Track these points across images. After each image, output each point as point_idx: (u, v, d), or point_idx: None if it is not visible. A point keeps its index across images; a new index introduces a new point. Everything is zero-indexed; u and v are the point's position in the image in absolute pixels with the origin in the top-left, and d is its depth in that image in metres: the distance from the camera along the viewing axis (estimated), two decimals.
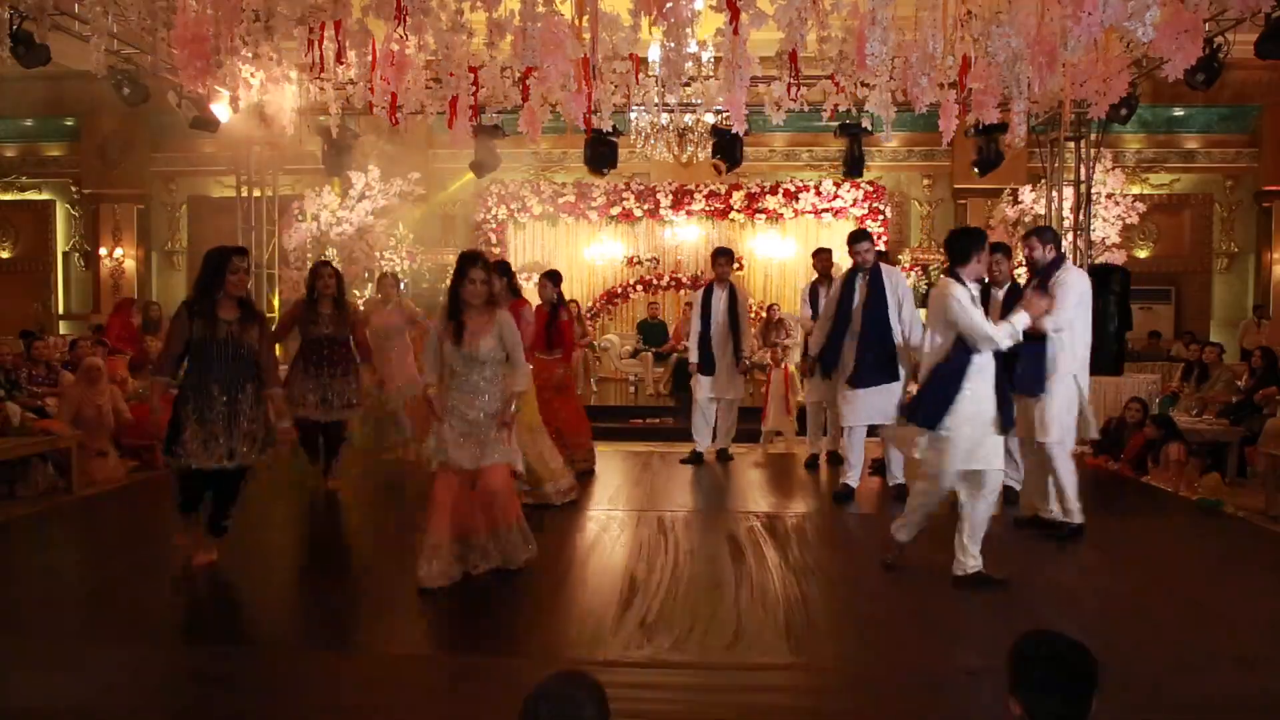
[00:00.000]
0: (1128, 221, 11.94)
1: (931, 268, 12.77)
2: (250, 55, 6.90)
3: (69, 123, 14.21)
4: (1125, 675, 3.50)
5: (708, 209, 13.88)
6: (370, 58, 6.76)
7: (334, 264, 6.72)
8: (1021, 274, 6.88)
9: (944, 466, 4.49)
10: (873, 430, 6.79)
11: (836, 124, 9.21)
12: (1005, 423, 4.53)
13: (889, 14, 5.83)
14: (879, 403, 6.46)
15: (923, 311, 6.25)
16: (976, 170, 9.31)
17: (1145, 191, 13.38)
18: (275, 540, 5.41)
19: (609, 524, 5.89)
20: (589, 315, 13.71)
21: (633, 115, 9.89)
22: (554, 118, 7.72)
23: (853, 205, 13.67)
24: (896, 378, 6.42)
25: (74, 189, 14.57)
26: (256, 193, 10.43)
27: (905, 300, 6.46)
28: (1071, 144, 9.70)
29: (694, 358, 7.95)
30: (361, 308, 8.28)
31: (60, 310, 14.73)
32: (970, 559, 4.56)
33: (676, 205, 13.87)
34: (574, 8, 5.87)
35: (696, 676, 3.55)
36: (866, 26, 5.85)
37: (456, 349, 4.37)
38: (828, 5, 5.77)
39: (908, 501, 4.80)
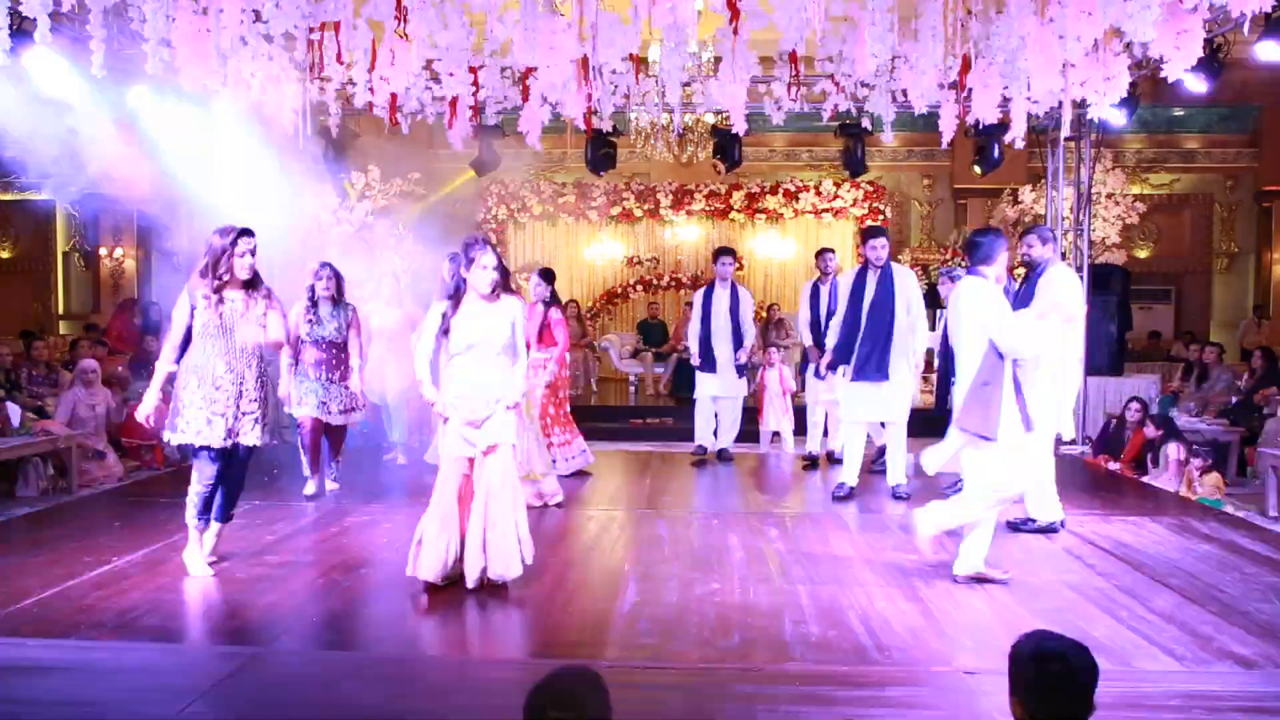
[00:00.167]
0: (1128, 221, 11.94)
1: (932, 268, 12.76)
2: (250, 55, 6.88)
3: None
4: (1125, 675, 3.50)
5: (708, 209, 13.88)
6: (370, 58, 6.75)
7: (334, 265, 6.65)
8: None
9: (1013, 477, 4.44)
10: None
11: (836, 124, 9.20)
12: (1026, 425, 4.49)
13: (889, 14, 5.82)
14: (876, 400, 6.46)
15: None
16: (978, 170, 9.31)
17: (1145, 191, 13.38)
18: (275, 541, 5.40)
19: (609, 524, 5.88)
20: (589, 315, 13.71)
21: (632, 115, 9.89)
22: (554, 118, 7.71)
23: (853, 205, 13.66)
24: (884, 376, 6.44)
25: (73, 189, 14.54)
26: None
27: (914, 301, 6.47)
28: (1071, 144, 9.68)
29: (694, 347, 7.95)
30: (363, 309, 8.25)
31: (60, 311, 14.72)
32: (974, 557, 4.57)
33: (676, 205, 13.86)
34: (574, 8, 5.87)
35: (696, 677, 3.55)
36: (866, 27, 5.84)
37: (466, 336, 4.28)
38: (828, 4, 5.76)
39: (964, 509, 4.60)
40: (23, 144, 7.00)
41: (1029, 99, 6.55)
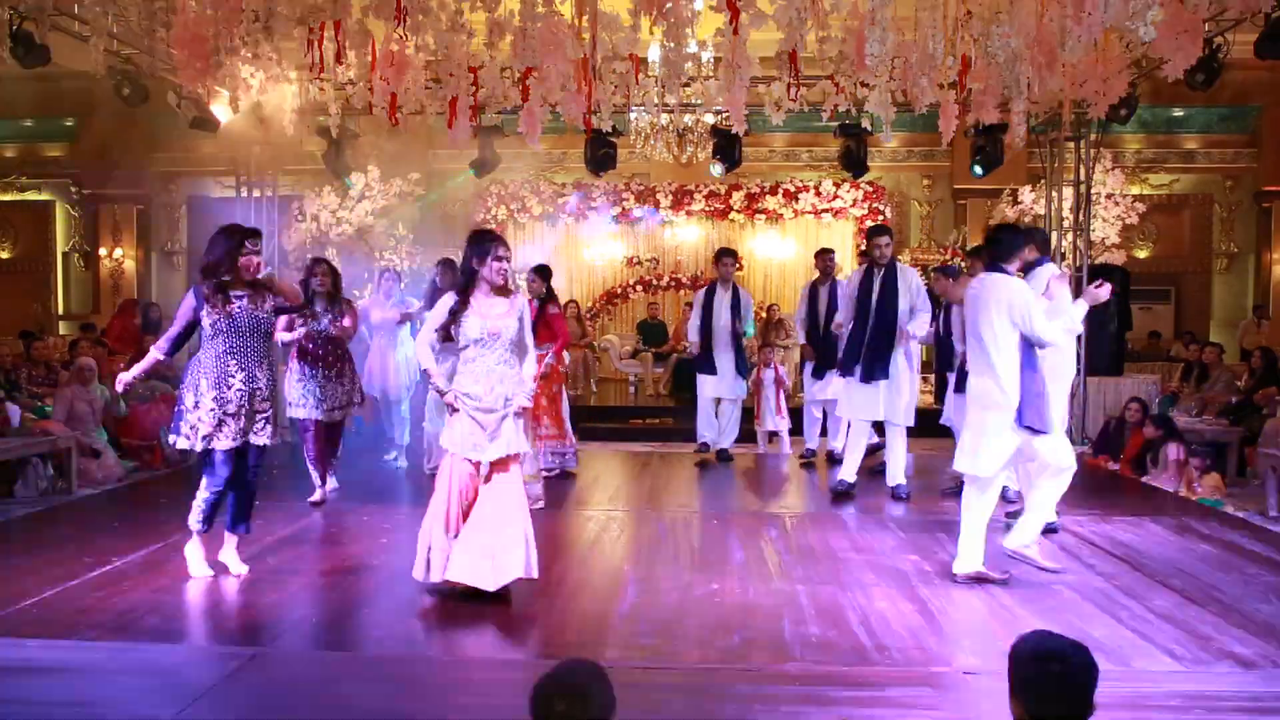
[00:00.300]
0: (1127, 222, 11.94)
1: (932, 268, 12.75)
2: (250, 55, 6.90)
3: (68, 123, 14.20)
4: (1125, 675, 3.50)
5: (708, 209, 13.88)
6: (370, 58, 6.76)
7: (330, 262, 6.59)
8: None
9: (1068, 461, 4.62)
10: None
11: (836, 124, 9.21)
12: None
13: (888, 14, 5.83)
14: (877, 399, 6.47)
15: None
16: (980, 170, 9.31)
17: (1145, 192, 13.37)
18: (275, 541, 5.40)
19: (609, 524, 5.89)
20: (589, 316, 13.71)
21: (632, 115, 9.89)
22: (554, 118, 7.71)
23: (852, 205, 13.65)
24: (885, 375, 6.45)
25: (73, 189, 14.56)
26: (256, 193, 10.42)
27: (919, 299, 6.47)
28: (1071, 144, 9.69)
29: (694, 336, 7.92)
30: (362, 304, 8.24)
31: (60, 311, 14.72)
32: (974, 557, 4.57)
33: (676, 205, 13.86)
34: (574, 8, 5.88)
35: (696, 677, 3.55)
36: (866, 26, 5.85)
37: (476, 329, 4.18)
38: (827, 5, 5.77)
39: (1035, 498, 4.74)
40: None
41: (1029, 99, 6.55)
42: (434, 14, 6.11)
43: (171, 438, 4.56)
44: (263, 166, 10.25)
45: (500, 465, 4.25)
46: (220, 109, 8.38)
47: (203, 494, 4.56)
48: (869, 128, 8.49)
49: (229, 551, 4.72)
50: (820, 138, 13.12)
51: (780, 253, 13.92)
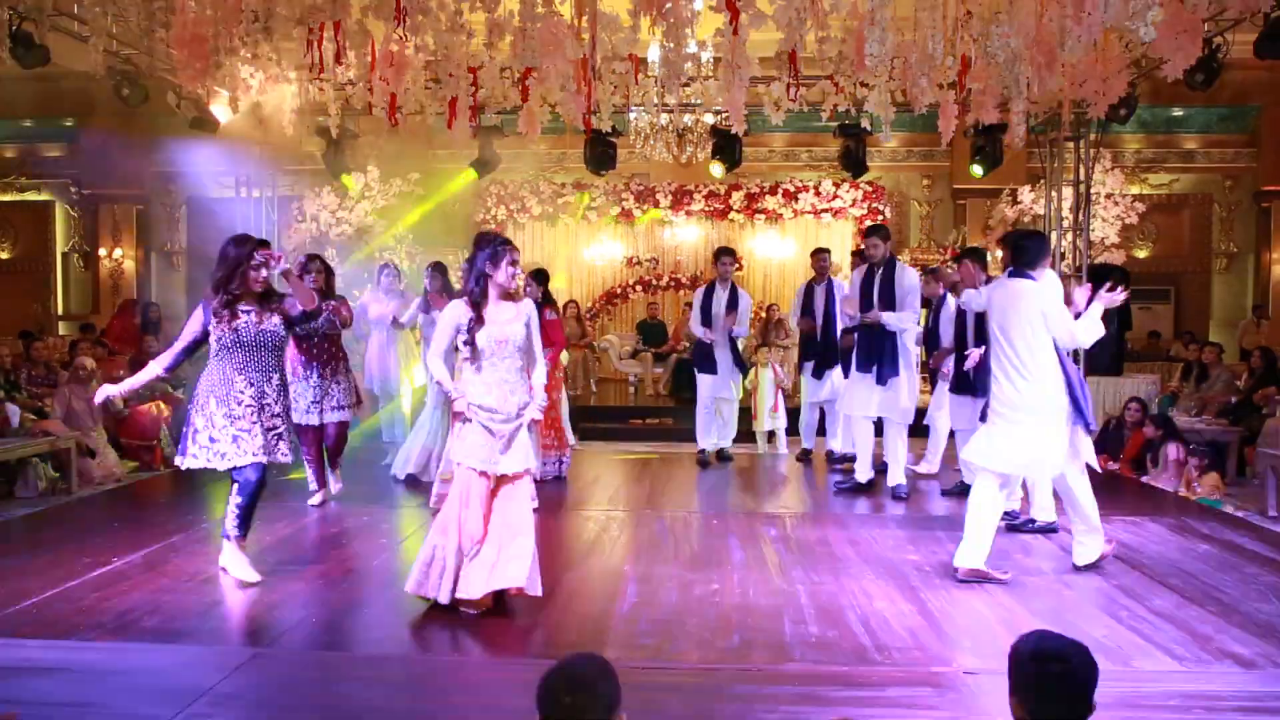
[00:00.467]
0: (1127, 221, 11.95)
1: (932, 268, 12.76)
2: (250, 55, 6.90)
3: (68, 124, 14.20)
4: (1125, 675, 3.51)
5: (707, 209, 13.88)
6: (370, 58, 6.76)
7: (325, 259, 6.49)
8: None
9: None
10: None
11: (836, 124, 9.21)
12: None
13: (888, 14, 5.83)
14: (877, 397, 6.50)
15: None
16: (979, 170, 9.32)
17: (1144, 191, 13.38)
18: (274, 542, 5.40)
19: (609, 524, 5.89)
20: (589, 316, 13.71)
21: (632, 116, 9.89)
22: (553, 118, 7.71)
23: (852, 205, 13.66)
24: (894, 373, 6.45)
25: (73, 189, 14.55)
26: (256, 193, 10.42)
27: (909, 296, 6.48)
28: (1071, 144, 9.69)
29: (699, 330, 7.79)
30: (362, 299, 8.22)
31: (59, 311, 14.71)
32: (976, 554, 4.57)
33: (676, 205, 13.86)
34: (573, 8, 5.87)
35: (696, 677, 3.55)
36: (866, 26, 5.85)
37: (485, 338, 4.03)
38: (827, 5, 5.77)
39: (1078, 498, 4.80)
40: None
41: (1028, 99, 6.55)
42: (434, 14, 6.11)
43: (178, 459, 4.46)
44: (262, 167, 10.26)
45: (510, 479, 4.13)
46: (220, 109, 8.39)
47: (235, 499, 4.47)
48: (868, 128, 8.50)
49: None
50: (820, 138, 13.12)
51: (780, 253, 13.93)
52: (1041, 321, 4.50)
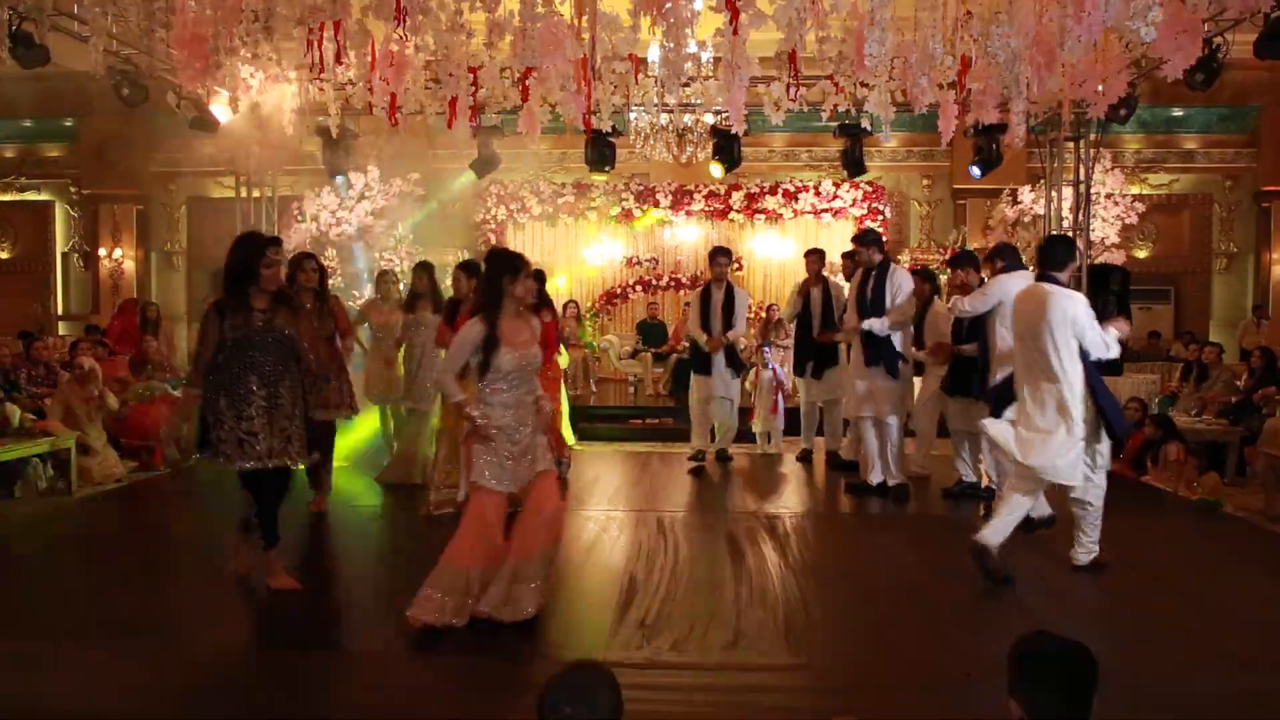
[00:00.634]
0: (1127, 222, 11.95)
1: (931, 268, 12.76)
2: (250, 55, 6.89)
3: (68, 123, 14.20)
4: (1125, 675, 3.50)
5: (707, 209, 13.88)
6: (370, 58, 6.76)
7: (319, 258, 6.40)
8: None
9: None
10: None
11: (836, 124, 9.21)
12: None
13: (888, 14, 5.83)
14: (868, 396, 6.57)
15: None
16: (979, 170, 9.33)
17: (1144, 192, 13.38)
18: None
19: (609, 524, 5.89)
20: (588, 316, 13.71)
21: (632, 115, 9.89)
22: (553, 118, 7.71)
23: (852, 205, 13.67)
24: (894, 376, 6.47)
25: (73, 189, 14.56)
26: (256, 193, 10.42)
27: (897, 296, 6.51)
28: (1071, 144, 9.70)
29: (698, 333, 7.71)
30: (361, 305, 8.20)
31: (59, 311, 14.72)
32: (1000, 534, 4.62)
33: (676, 206, 13.86)
34: (573, 8, 5.87)
35: (696, 677, 3.55)
36: (865, 27, 5.85)
37: (511, 362, 3.88)
38: (827, 5, 5.77)
39: (1084, 508, 4.78)
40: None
41: (1028, 99, 6.55)
42: (434, 14, 6.10)
43: (204, 456, 4.32)
44: (262, 167, 10.26)
45: (542, 480, 4.02)
46: (220, 109, 8.39)
47: (253, 513, 4.42)
48: (868, 128, 8.50)
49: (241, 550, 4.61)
50: (820, 138, 13.13)
51: (780, 253, 13.93)
52: (1071, 328, 4.53)
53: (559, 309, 8.90)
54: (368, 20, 6.22)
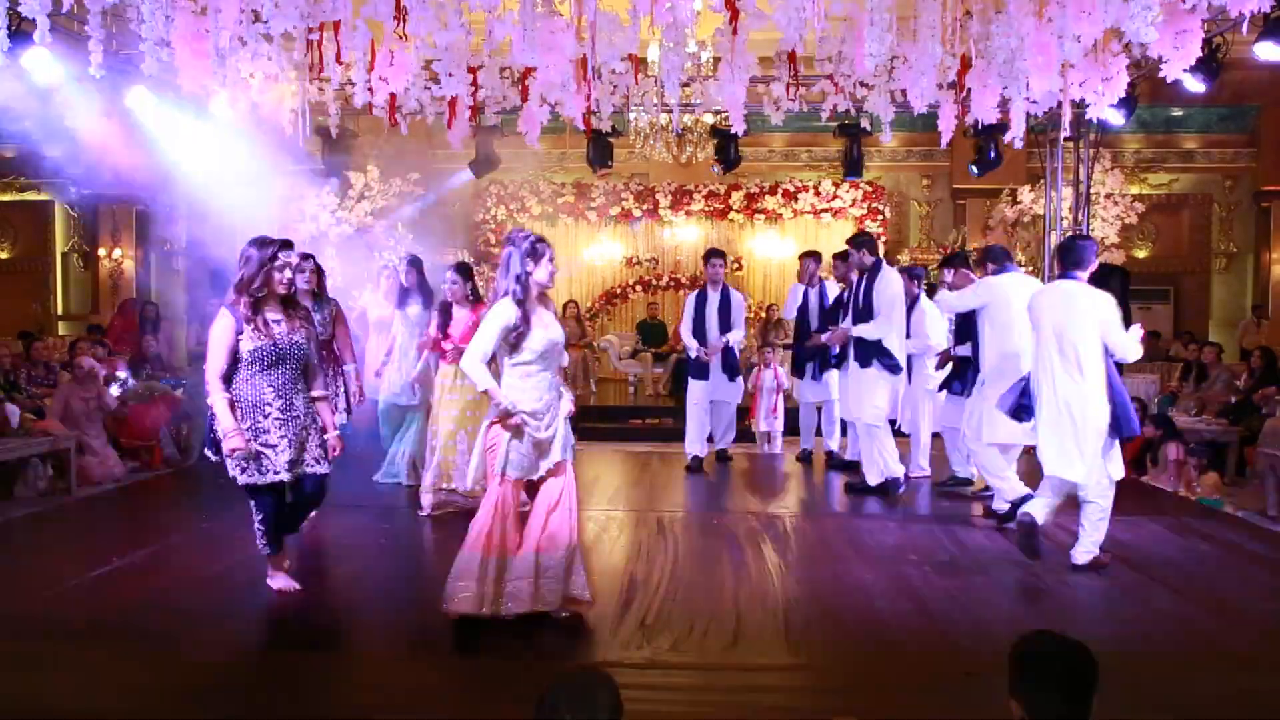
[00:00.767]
0: (1126, 221, 11.95)
1: (931, 268, 12.76)
2: (249, 55, 6.88)
3: (68, 123, 14.18)
4: (1125, 675, 3.50)
5: (707, 209, 13.88)
6: (369, 58, 6.75)
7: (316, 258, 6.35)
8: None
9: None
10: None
11: (835, 124, 9.22)
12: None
13: (888, 14, 5.82)
14: (861, 396, 6.62)
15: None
16: (978, 170, 9.33)
17: (1144, 191, 13.38)
18: None
19: (608, 524, 5.88)
20: (588, 316, 13.71)
21: (632, 115, 9.89)
22: (553, 118, 7.71)
23: (851, 205, 13.67)
24: (890, 375, 6.56)
25: (73, 189, 14.53)
26: (255, 193, 10.41)
27: (887, 305, 6.53)
28: (1070, 144, 9.70)
29: (689, 340, 7.68)
30: (361, 301, 8.17)
31: (59, 311, 14.71)
32: (1042, 512, 4.82)
33: (676, 205, 13.86)
34: (573, 8, 5.86)
35: (696, 677, 3.55)
36: (865, 26, 5.84)
37: (542, 341, 3.82)
38: (827, 5, 5.77)
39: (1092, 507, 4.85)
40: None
41: (1028, 99, 6.55)
42: (433, 14, 6.10)
43: (211, 455, 4.21)
44: (262, 166, 10.24)
45: (558, 469, 3.99)
46: (220, 108, 8.37)
47: (255, 519, 4.29)
48: (868, 127, 8.50)
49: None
50: (819, 138, 13.13)
51: (780, 253, 13.93)
52: (1099, 327, 4.60)
53: (559, 309, 8.87)
54: (367, 20, 6.21)
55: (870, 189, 13.66)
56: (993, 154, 8.79)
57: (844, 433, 7.83)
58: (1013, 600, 4.40)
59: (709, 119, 10.08)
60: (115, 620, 4.03)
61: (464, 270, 6.10)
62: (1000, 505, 5.88)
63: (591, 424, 9.97)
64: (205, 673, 3.51)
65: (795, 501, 6.79)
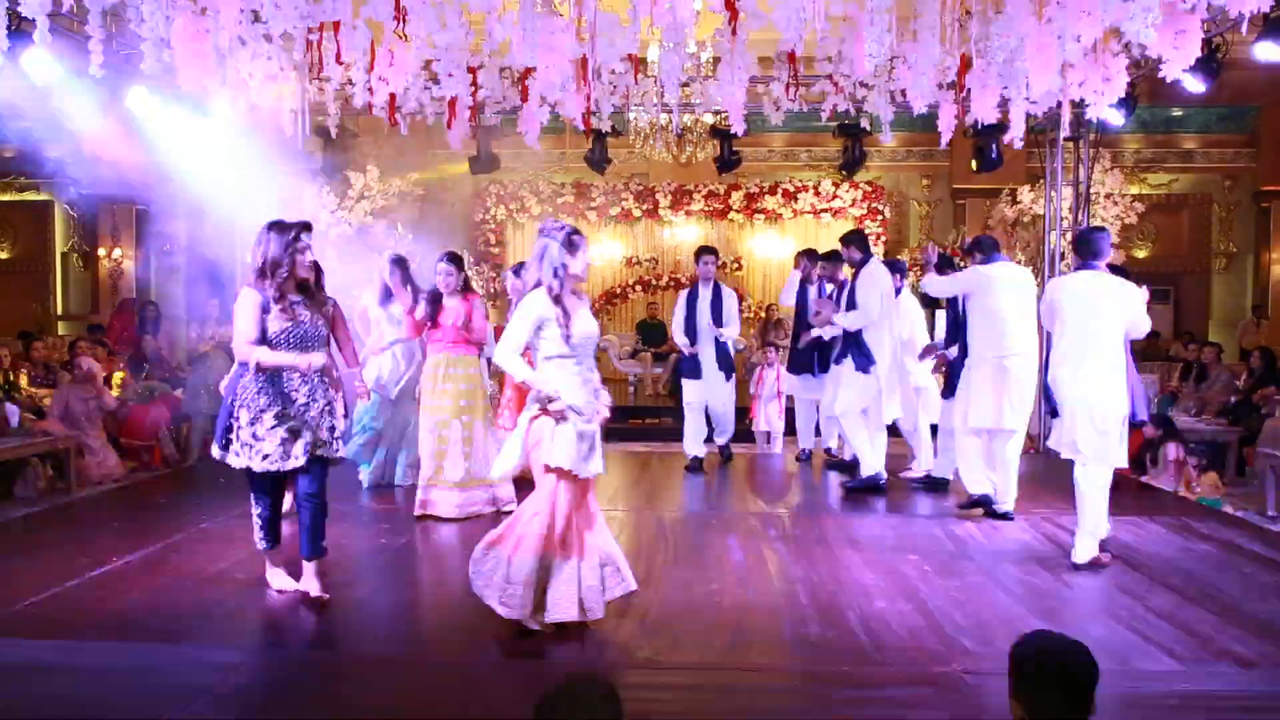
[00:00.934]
0: (1126, 221, 11.94)
1: (889, 259, 12.76)
2: (249, 55, 6.88)
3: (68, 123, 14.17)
4: (1125, 675, 3.51)
5: (707, 209, 13.88)
6: (369, 58, 6.74)
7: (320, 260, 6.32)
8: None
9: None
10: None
11: (835, 124, 9.21)
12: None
13: (888, 14, 5.82)
14: (834, 388, 6.81)
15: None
16: (975, 166, 9.32)
17: (1144, 191, 13.38)
18: None
19: (608, 524, 5.87)
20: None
21: (631, 116, 9.89)
22: (553, 118, 7.70)
23: (851, 205, 13.68)
24: (863, 371, 6.64)
25: (72, 189, 14.52)
26: (254, 193, 10.41)
27: (859, 292, 6.69)
28: (1070, 144, 9.69)
29: (681, 339, 7.65)
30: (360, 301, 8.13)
31: (59, 311, 14.70)
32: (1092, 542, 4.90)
33: (675, 205, 13.86)
34: (573, 8, 5.86)
35: (696, 677, 3.55)
36: (865, 26, 5.84)
37: (582, 332, 3.75)
38: (826, 5, 5.76)
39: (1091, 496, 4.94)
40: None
41: (1027, 99, 6.55)
42: (433, 14, 6.10)
43: (218, 452, 4.13)
44: (261, 166, 10.24)
45: (591, 483, 3.92)
46: (219, 108, 8.36)
47: (255, 514, 4.30)
48: (868, 127, 8.50)
49: (309, 578, 4.31)
50: (819, 137, 13.12)
51: (779, 252, 13.93)
52: (1122, 316, 4.81)
53: None
54: (367, 20, 6.21)
55: (870, 189, 13.67)
56: (995, 154, 8.78)
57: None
58: (1013, 600, 4.40)
59: (709, 119, 10.08)
60: (115, 620, 4.03)
61: (456, 260, 6.05)
62: (1002, 506, 5.91)
63: None
64: (206, 673, 3.50)
65: (795, 501, 6.79)
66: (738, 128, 6.75)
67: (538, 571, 3.74)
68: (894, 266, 7.27)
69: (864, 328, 6.60)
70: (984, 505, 5.95)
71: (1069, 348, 4.89)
